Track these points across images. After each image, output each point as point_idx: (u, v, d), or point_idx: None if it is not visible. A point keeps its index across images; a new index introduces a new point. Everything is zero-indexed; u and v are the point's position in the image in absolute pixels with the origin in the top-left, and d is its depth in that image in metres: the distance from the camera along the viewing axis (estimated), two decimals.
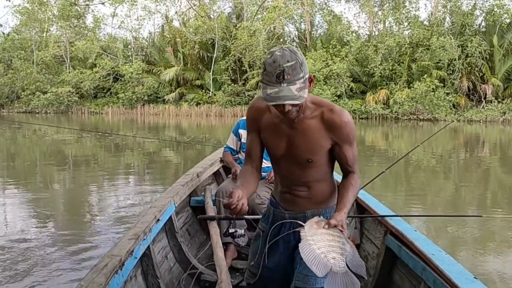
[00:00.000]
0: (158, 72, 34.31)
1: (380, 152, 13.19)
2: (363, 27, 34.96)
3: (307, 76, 1.67)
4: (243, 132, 3.51)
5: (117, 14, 36.80)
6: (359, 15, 37.27)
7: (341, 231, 1.59)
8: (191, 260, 3.23)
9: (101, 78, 35.12)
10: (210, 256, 3.21)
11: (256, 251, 2.03)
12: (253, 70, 32.00)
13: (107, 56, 36.03)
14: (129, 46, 38.08)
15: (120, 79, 35.23)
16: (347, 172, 1.94)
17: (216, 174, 4.85)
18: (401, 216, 2.80)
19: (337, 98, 28.61)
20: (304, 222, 1.84)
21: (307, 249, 1.50)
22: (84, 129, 20.27)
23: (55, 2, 37.08)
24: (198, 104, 33.06)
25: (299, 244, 1.54)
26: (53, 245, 4.57)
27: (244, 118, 3.63)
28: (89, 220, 5.72)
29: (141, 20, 37.66)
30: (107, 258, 2.08)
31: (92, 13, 37.89)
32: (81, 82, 34.41)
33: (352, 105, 28.32)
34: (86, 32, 37.80)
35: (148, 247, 2.60)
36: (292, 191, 1.94)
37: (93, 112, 35.09)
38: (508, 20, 27.61)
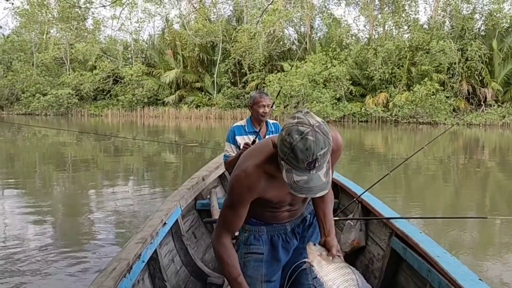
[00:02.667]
0: (158, 75, 34.36)
1: (380, 156, 13.19)
2: (362, 30, 35.05)
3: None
4: (240, 139, 3.50)
5: (117, 17, 36.67)
6: (358, 19, 37.29)
7: (339, 256, 1.72)
8: (197, 263, 3.25)
9: (101, 80, 35.14)
10: (216, 259, 3.21)
11: (259, 277, 1.95)
12: (253, 72, 32.04)
13: (107, 58, 36.05)
14: (129, 49, 38.12)
15: (120, 82, 35.28)
16: None
17: (221, 177, 4.87)
18: (406, 218, 2.81)
19: (336, 101, 28.63)
20: (304, 223, 1.87)
21: None
22: (84, 131, 20.26)
23: (55, 4, 37.12)
24: (197, 106, 33.08)
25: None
26: (53, 248, 4.56)
27: (238, 124, 3.62)
28: (89, 223, 5.71)
29: (141, 22, 37.72)
30: (116, 262, 2.10)
31: (92, 15, 37.93)
32: (81, 84, 34.45)
33: (351, 108, 28.34)
34: (86, 34, 37.83)
35: (155, 250, 2.62)
36: (291, 209, 1.92)
37: (93, 114, 35.10)
38: (507, 25, 27.66)
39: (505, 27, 27.49)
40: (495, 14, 27.61)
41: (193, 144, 15.10)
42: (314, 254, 1.72)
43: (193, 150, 13.63)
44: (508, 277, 3.88)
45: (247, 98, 30.61)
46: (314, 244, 1.78)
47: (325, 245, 1.79)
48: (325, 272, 1.66)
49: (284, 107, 29.43)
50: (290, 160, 1.42)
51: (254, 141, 3.34)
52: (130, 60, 37.16)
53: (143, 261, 2.35)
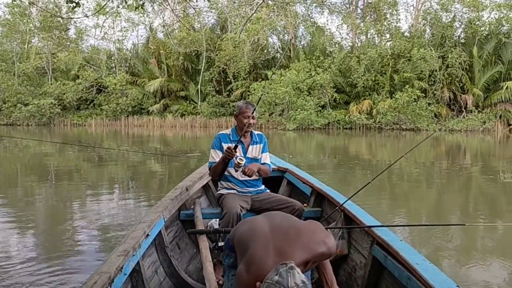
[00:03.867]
0: (142, 84, 34.23)
1: (364, 162, 13.29)
2: (345, 38, 35.52)
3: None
4: (225, 146, 3.52)
5: (100, 26, 36.48)
6: (341, 27, 37.71)
7: None
8: (181, 274, 3.23)
9: (84, 89, 34.89)
10: (200, 270, 3.20)
11: None
12: (238, 81, 32.13)
13: (90, 67, 35.81)
14: (113, 58, 37.92)
15: (104, 91, 35.03)
16: None
17: (205, 187, 4.85)
18: (387, 226, 2.83)
19: (321, 108, 28.85)
20: None
21: None
22: (67, 141, 20.03)
23: (36, 14, 36.78)
24: (182, 115, 33.01)
25: None
26: (34, 261, 4.48)
27: (223, 132, 3.68)
28: (72, 234, 5.63)
29: (124, 31, 37.60)
30: (97, 276, 2.08)
31: (74, 24, 37.69)
32: (64, 94, 34.15)
33: (336, 115, 28.58)
34: (68, 43, 37.54)
35: (138, 262, 2.60)
36: None
37: (76, 124, 34.72)
38: (486, 32, 28.26)
39: (484, 34, 28.08)
40: (474, 22, 28.19)
41: (176, 155, 15.04)
42: None
43: (179, 159, 13.57)
44: (489, 281, 3.94)
45: (232, 106, 30.79)
46: None
47: None
48: None
49: (269, 115, 29.55)
50: None
51: (236, 146, 3.38)
52: (114, 69, 36.96)
53: (125, 274, 2.33)
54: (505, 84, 25.64)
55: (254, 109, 3.59)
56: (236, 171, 3.54)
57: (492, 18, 28.52)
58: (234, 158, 3.40)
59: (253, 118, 3.54)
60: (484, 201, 8.13)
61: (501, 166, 12.87)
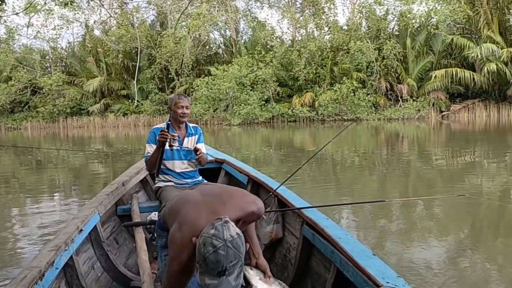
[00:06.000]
0: (81, 83, 33.03)
1: (309, 153, 13.65)
2: (286, 32, 35.99)
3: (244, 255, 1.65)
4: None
5: (32, 24, 34.80)
6: (282, 21, 38.25)
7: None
8: (119, 268, 3.23)
9: (18, 91, 33.21)
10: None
11: None
12: (181, 77, 31.79)
13: (23, 68, 34.09)
14: (47, 57, 36.32)
15: (39, 92, 33.51)
16: None
17: (143, 182, 4.83)
18: (315, 207, 3.00)
19: (264, 102, 29.16)
20: None
21: None
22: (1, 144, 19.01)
23: None
24: (125, 114, 32.22)
25: None
26: None
27: (158, 126, 3.69)
28: (12, 243, 5.42)
29: (58, 29, 36.05)
30: (26, 270, 2.05)
31: (4, 23, 35.63)
32: None
33: (279, 109, 29.00)
34: None
35: (71, 257, 2.58)
36: None
37: (10, 128, 33.00)
38: (417, 24, 29.66)
39: (415, 26, 29.47)
40: (405, 15, 29.49)
41: (119, 153, 14.72)
42: (255, 278, 1.92)
43: (123, 159, 13.28)
44: (430, 260, 4.23)
45: None
46: (251, 268, 1.93)
47: (258, 267, 2.00)
48: None
49: (214, 111, 29.49)
50: (203, 267, 1.58)
51: (168, 126, 3.42)
52: (49, 69, 35.43)
53: (57, 268, 2.31)
54: (434, 73, 27.08)
55: (187, 100, 3.66)
56: (172, 150, 3.52)
57: (421, 10, 29.97)
58: (168, 140, 3.38)
59: (187, 108, 3.59)
60: (421, 181, 8.65)
61: (435, 151, 13.65)
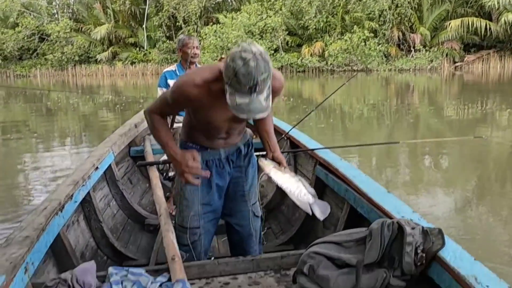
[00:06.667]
0: (88, 31, 32.60)
1: (317, 104, 13.61)
2: None
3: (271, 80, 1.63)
4: (172, 83, 3.55)
5: None
6: None
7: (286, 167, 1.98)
8: (134, 206, 3.34)
9: (25, 38, 32.86)
10: (153, 203, 3.31)
11: (195, 200, 2.09)
12: (188, 25, 31.19)
13: (30, 14, 33.59)
14: (54, 3, 35.63)
15: (47, 39, 33.16)
16: None
17: None
18: (328, 148, 3.07)
19: (273, 52, 28.69)
20: (238, 153, 2.14)
21: (295, 197, 1.87)
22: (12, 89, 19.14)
23: None
24: (133, 63, 31.98)
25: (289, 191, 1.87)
26: None
27: (169, 69, 3.70)
28: (25, 190, 5.59)
29: None
30: (46, 202, 2.12)
31: None
32: (3, 43, 32.06)
33: (288, 58, 28.56)
34: None
35: (88, 193, 2.65)
36: (227, 137, 2.06)
37: (20, 75, 33.02)
38: None
39: None
40: None
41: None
42: (269, 167, 1.93)
43: (132, 108, 13.35)
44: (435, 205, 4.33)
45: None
46: (266, 159, 1.98)
47: (274, 160, 2.01)
48: (282, 180, 1.88)
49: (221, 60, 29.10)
50: (234, 84, 1.56)
51: (177, 68, 3.50)
52: (56, 15, 34.85)
53: (76, 202, 2.38)
54: (449, 23, 26.26)
55: (197, 40, 3.64)
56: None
57: None
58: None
59: (197, 48, 3.57)
60: (431, 131, 8.68)
61: (447, 102, 13.52)
